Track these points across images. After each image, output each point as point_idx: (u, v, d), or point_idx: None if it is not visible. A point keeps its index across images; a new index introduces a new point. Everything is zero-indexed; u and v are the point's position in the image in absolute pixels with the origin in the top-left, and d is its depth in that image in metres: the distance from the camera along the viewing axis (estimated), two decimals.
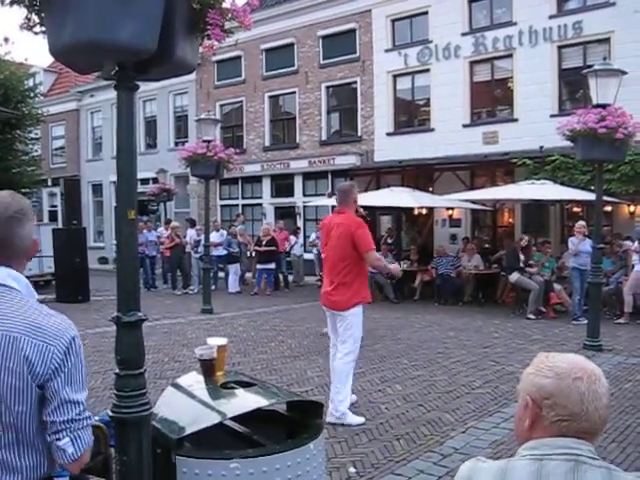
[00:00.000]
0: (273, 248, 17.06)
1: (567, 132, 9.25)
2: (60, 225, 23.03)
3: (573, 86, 17.09)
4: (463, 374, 7.84)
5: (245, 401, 3.01)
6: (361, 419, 5.93)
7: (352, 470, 4.76)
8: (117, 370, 3.11)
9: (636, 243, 12.12)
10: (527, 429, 1.60)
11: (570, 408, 1.53)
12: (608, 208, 15.26)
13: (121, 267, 3.15)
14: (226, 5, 3.13)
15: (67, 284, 15.13)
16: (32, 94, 22.36)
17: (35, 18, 2.86)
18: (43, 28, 2.89)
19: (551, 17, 17.01)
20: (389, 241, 17.57)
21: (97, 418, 3.72)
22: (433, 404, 6.52)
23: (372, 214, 18.53)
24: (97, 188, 29.38)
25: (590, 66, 10.13)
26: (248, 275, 19.14)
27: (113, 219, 24.47)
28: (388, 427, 5.77)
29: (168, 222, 20.21)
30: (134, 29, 2.66)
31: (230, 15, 3.17)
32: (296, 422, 3.18)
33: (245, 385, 3.18)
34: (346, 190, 6.27)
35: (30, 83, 23.00)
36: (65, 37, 2.69)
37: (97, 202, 29.71)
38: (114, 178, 3.15)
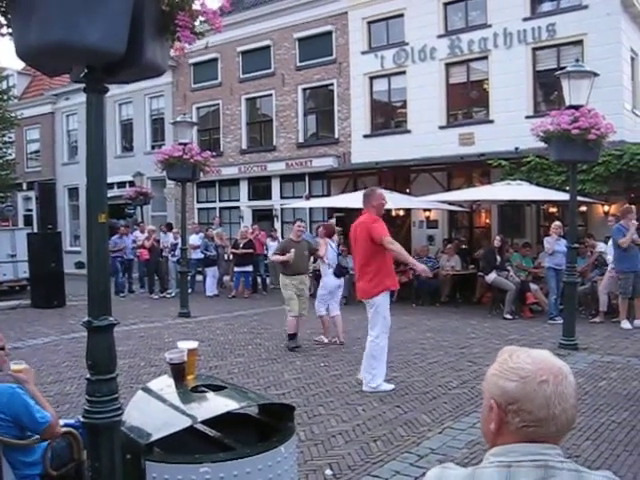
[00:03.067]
0: (250, 251, 17.02)
1: (541, 133, 9.33)
2: (35, 229, 22.78)
3: (548, 88, 17.25)
4: (440, 375, 7.86)
5: (215, 405, 2.99)
6: (391, 386, 7.07)
7: (329, 472, 4.75)
8: (88, 375, 3.09)
9: (610, 243, 12.24)
10: (493, 433, 1.55)
11: (536, 414, 1.48)
12: (583, 208, 15.43)
13: (92, 271, 3.12)
14: (196, 7, 3.12)
15: (42, 289, 14.97)
16: (5, 97, 22.16)
17: (1, 19, 2.83)
18: (10, 30, 2.86)
19: (525, 19, 17.18)
20: None
21: (71, 422, 3.70)
22: (410, 405, 6.53)
23: (350, 216, 18.57)
24: (73, 192, 29.10)
25: (564, 68, 10.23)
26: (226, 278, 19.06)
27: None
28: (365, 428, 5.77)
29: (138, 224, 20.13)
30: (102, 31, 2.65)
31: (200, 17, 3.16)
32: (268, 425, 3.16)
33: (216, 389, 3.16)
34: (366, 194, 7.28)
35: (3, 86, 22.78)
36: (32, 39, 2.67)
37: (73, 206, 29.44)
38: None
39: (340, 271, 10.56)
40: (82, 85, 3.06)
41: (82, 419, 3.11)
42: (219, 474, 2.61)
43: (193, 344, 3.37)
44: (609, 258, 12.21)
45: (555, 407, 1.49)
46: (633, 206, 12.27)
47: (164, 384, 3.28)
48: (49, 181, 25.23)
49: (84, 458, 3.47)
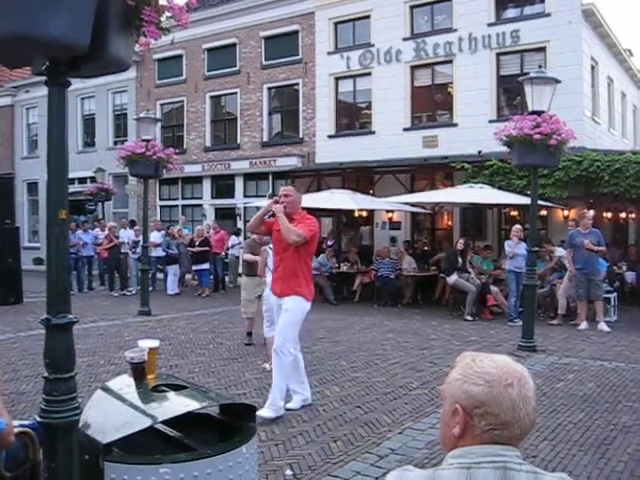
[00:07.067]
0: (206, 248, 17.03)
1: (504, 138, 9.45)
2: None
3: (511, 93, 17.46)
4: (401, 375, 7.90)
5: (176, 404, 2.96)
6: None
7: (289, 473, 4.74)
8: (46, 374, 3.03)
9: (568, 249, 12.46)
10: (456, 436, 1.56)
11: (502, 417, 1.51)
12: (543, 212, 15.68)
13: (51, 268, 3.07)
14: (163, 2, 3.08)
15: None
16: None
17: None
18: None
19: (490, 25, 17.37)
20: (329, 243, 17.61)
21: (26, 423, 3.61)
22: (371, 405, 6.55)
23: (313, 216, 18.56)
24: (32, 187, 28.58)
25: (527, 74, 10.37)
26: (188, 277, 18.93)
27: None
28: (325, 429, 5.77)
29: (98, 221, 19.92)
30: (65, 24, 2.59)
31: (167, 13, 3.12)
32: (229, 425, 3.14)
33: (176, 388, 3.13)
34: None
35: None
36: None
37: (32, 201, 28.91)
38: None
39: None
40: (43, 78, 3.00)
41: (39, 418, 3.04)
42: (179, 475, 2.58)
43: (154, 343, 3.33)
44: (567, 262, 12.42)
45: (520, 410, 1.52)
46: (590, 211, 12.51)
47: (124, 383, 3.23)
48: (7, 175, 24.80)
49: (40, 459, 3.38)
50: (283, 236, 6.00)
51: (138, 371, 3.20)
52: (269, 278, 7.64)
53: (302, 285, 6.12)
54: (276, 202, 6.13)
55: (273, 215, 6.13)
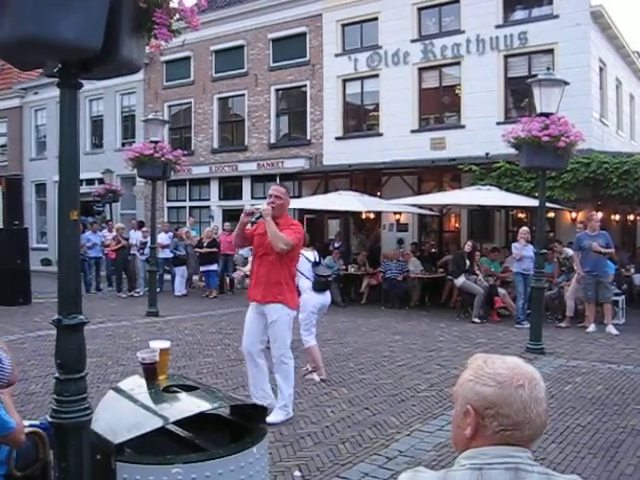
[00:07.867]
0: (214, 249, 17.06)
1: (512, 140, 9.44)
2: (1, 225, 22.41)
3: (519, 95, 17.46)
4: (408, 377, 7.89)
5: (188, 405, 2.97)
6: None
7: (297, 474, 4.74)
8: (57, 374, 3.05)
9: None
10: (468, 438, 1.57)
11: (513, 418, 1.52)
12: (551, 214, 15.64)
13: (62, 269, 3.09)
14: (173, 5, 3.10)
15: (7, 286, 14.64)
16: None
17: None
18: None
19: (498, 27, 17.36)
20: (336, 245, 17.61)
21: (37, 423, 3.64)
22: (379, 407, 6.54)
23: (320, 218, 18.62)
24: (41, 188, 28.72)
25: (535, 76, 10.36)
26: (195, 278, 18.95)
27: (57, 220, 23.83)
28: (334, 430, 5.77)
29: (107, 222, 19.95)
30: (78, 26, 2.61)
31: (177, 15, 3.14)
32: (240, 426, 3.15)
33: (188, 389, 3.14)
34: None
35: None
36: (5, 33, 2.62)
37: (40, 202, 29.05)
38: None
39: (320, 283, 7.59)
40: (51, 80, 3.03)
41: (50, 419, 3.06)
42: (191, 475, 2.60)
43: (165, 344, 3.34)
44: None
45: (531, 411, 1.53)
46: (598, 214, 12.48)
47: (135, 384, 3.24)
48: (16, 176, 24.88)
49: (50, 458, 3.41)
50: (270, 242, 5.75)
51: (149, 372, 3.21)
52: (303, 283, 7.50)
53: (284, 292, 5.85)
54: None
55: (258, 218, 5.84)
